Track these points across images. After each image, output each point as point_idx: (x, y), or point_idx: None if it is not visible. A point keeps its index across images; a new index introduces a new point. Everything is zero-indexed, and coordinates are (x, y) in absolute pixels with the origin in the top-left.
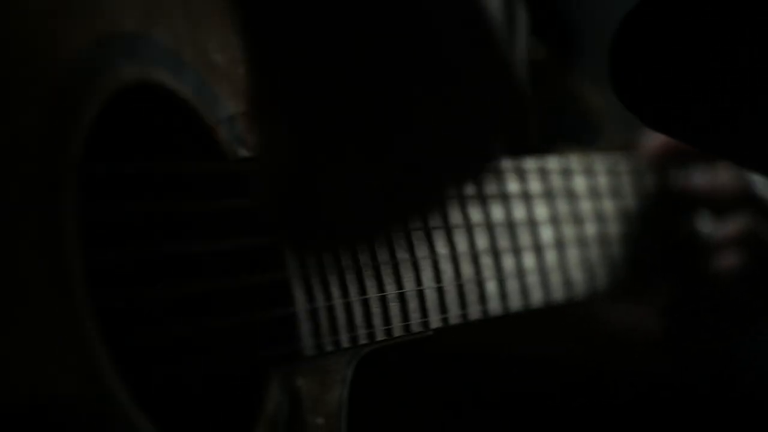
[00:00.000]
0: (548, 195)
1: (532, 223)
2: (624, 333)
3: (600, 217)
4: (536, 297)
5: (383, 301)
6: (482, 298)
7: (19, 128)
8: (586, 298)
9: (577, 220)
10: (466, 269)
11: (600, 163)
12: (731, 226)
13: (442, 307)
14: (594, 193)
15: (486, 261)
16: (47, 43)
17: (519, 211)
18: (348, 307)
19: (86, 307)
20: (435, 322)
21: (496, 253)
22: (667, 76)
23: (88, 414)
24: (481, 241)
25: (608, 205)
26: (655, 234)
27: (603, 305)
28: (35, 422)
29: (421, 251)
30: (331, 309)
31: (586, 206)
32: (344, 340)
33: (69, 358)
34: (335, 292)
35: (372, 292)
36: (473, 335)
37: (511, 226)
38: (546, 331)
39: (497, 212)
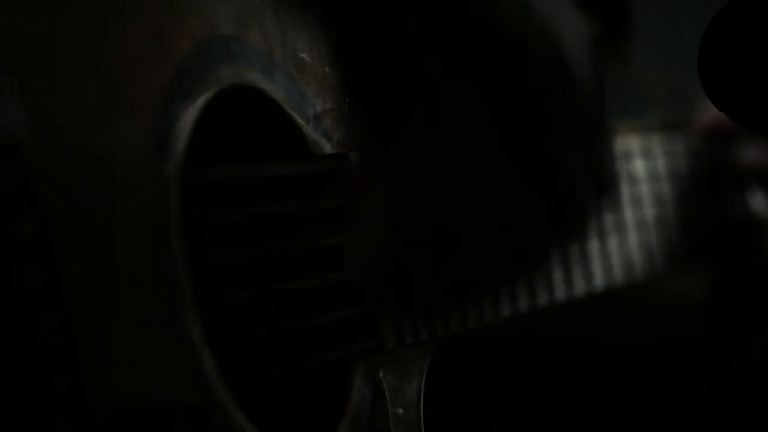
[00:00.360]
0: None
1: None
2: (670, 299)
3: (659, 200)
4: (599, 282)
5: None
6: (549, 285)
7: (130, 132)
8: (644, 280)
9: (637, 203)
10: None
11: (658, 144)
12: None
13: (513, 296)
14: (653, 177)
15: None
16: (154, 48)
17: None
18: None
19: (193, 311)
20: (506, 310)
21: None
22: (759, 74)
23: (195, 415)
24: None
25: (666, 188)
26: (707, 210)
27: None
28: (149, 423)
29: None
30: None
31: (645, 189)
32: (423, 332)
33: (178, 362)
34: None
35: None
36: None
37: None
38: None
39: None
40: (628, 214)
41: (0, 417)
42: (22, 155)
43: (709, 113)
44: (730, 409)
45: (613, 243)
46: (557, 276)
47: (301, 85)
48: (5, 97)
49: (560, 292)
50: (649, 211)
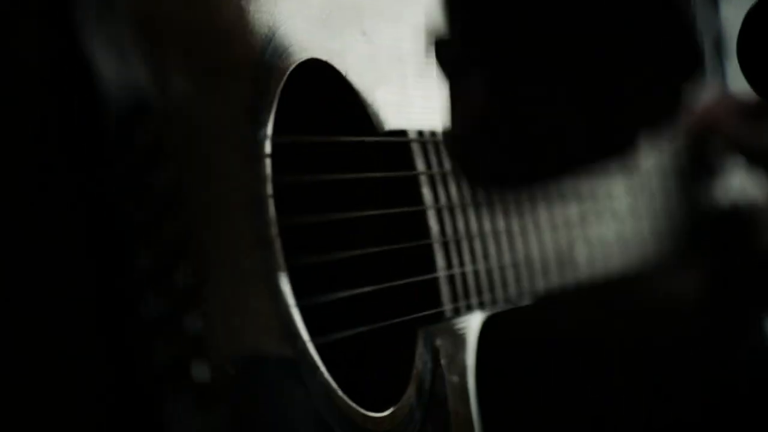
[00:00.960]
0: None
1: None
2: (667, 299)
3: (650, 193)
4: (600, 268)
5: (502, 269)
6: (573, 264)
7: (231, 99)
8: (639, 269)
9: (632, 193)
10: (560, 239)
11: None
12: None
13: (546, 275)
14: (644, 170)
15: (577, 231)
16: (244, 25)
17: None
18: (476, 275)
19: (285, 272)
20: (540, 289)
21: (584, 223)
22: None
23: (290, 367)
24: (573, 212)
25: (655, 181)
26: (697, 206)
27: (648, 273)
28: (257, 370)
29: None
30: (464, 275)
31: (637, 181)
32: (474, 303)
33: (275, 319)
34: (467, 258)
35: (493, 260)
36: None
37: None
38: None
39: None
40: (624, 203)
41: (141, 353)
42: (154, 113)
43: (693, 110)
44: (719, 414)
45: (611, 230)
46: (581, 256)
47: (366, 65)
48: (136, 61)
49: (583, 273)
50: (641, 203)
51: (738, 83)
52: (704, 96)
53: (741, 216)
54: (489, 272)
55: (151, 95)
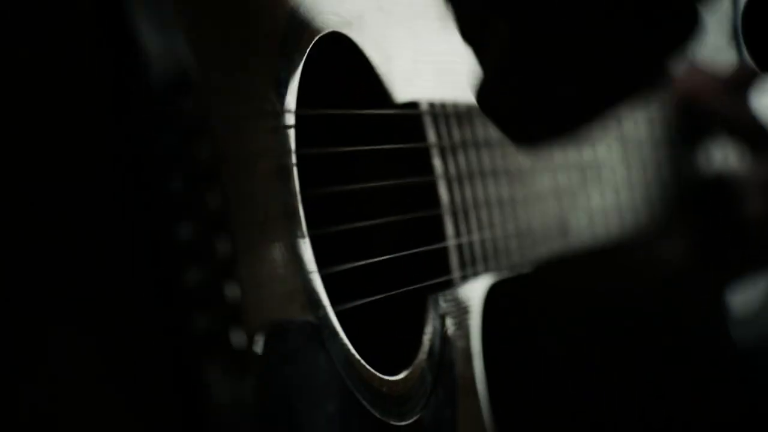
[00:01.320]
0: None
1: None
2: (657, 267)
3: (642, 163)
4: (598, 234)
5: (506, 237)
6: (566, 233)
7: (259, 71)
8: (632, 237)
9: (627, 165)
10: (561, 209)
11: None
12: (758, 170)
13: (546, 243)
14: (636, 140)
15: (576, 201)
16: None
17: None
18: (483, 243)
19: (307, 241)
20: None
21: (583, 193)
22: None
23: (313, 332)
24: (573, 183)
25: (646, 152)
26: (684, 175)
27: (641, 242)
28: (283, 335)
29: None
30: (471, 244)
31: (633, 152)
32: (480, 270)
33: (298, 288)
34: (474, 227)
35: (498, 229)
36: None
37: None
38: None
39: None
40: (619, 173)
41: (183, 320)
42: (195, 86)
43: (681, 81)
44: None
45: (607, 200)
46: (574, 224)
47: (384, 40)
48: (180, 40)
49: (576, 240)
50: (634, 173)
51: (703, 52)
52: (683, 68)
53: (724, 185)
54: (494, 240)
55: (192, 68)
